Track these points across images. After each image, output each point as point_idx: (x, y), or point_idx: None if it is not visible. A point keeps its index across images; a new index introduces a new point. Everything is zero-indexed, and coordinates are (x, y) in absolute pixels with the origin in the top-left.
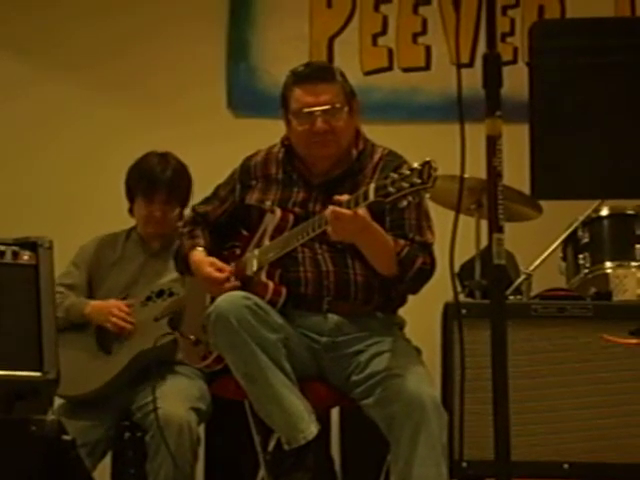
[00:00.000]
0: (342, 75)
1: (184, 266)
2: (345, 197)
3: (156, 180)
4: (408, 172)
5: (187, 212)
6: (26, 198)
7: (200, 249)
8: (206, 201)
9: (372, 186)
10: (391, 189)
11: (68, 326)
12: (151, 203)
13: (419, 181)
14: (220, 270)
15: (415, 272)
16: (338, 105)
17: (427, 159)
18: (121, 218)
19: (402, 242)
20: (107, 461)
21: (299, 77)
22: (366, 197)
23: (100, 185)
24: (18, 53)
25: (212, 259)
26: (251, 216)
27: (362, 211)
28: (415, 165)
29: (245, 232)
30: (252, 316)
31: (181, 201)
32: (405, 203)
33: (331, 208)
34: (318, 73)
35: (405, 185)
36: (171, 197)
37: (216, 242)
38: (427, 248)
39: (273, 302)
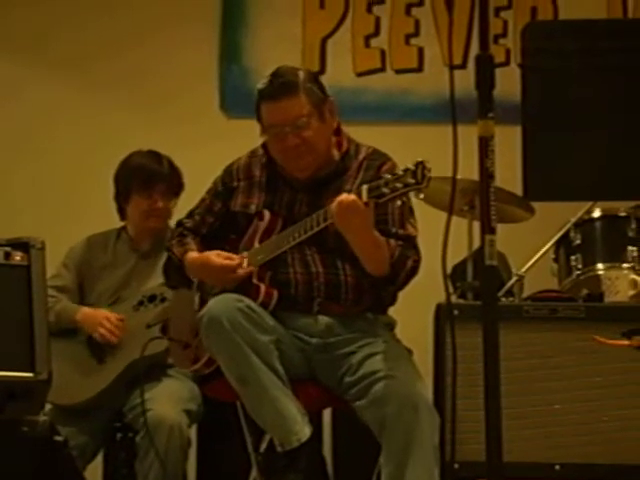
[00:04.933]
0: (310, 79)
1: (178, 275)
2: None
3: (155, 173)
4: (401, 173)
5: (173, 227)
6: (18, 199)
7: (193, 252)
8: (191, 215)
9: (365, 187)
10: (385, 190)
11: (59, 331)
12: (151, 196)
13: (413, 181)
14: (229, 259)
15: (406, 273)
16: (304, 119)
17: (420, 159)
18: (114, 220)
19: (393, 243)
20: (99, 461)
21: (262, 95)
22: (359, 198)
23: (92, 186)
24: (11, 54)
25: (216, 251)
26: (238, 222)
27: (370, 207)
28: (409, 166)
29: (234, 236)
30: (244, 318)
31: (175, 193)
32: (399, 203)
33: (345, 195)
34: (279, 90)
35: (399, 186)
36: (169, 188)
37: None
38: (411, 242)
39: (265, 304)
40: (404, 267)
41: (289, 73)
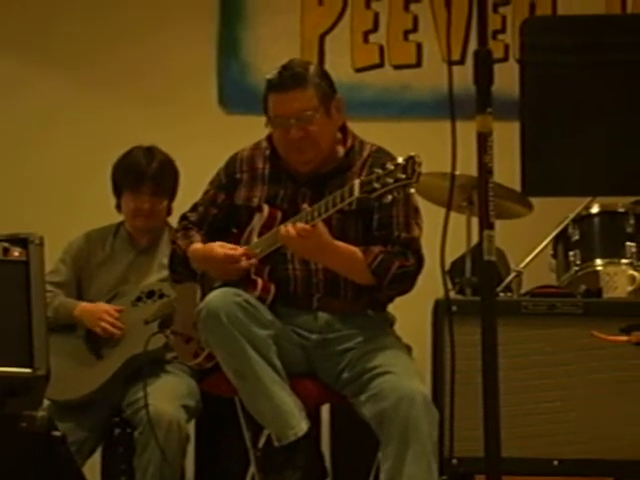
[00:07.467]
0: (320, 74)
1: (183, 268)
2: (306, 207)
3: (142, 173)
4: (392, 167)
5: (177, 221)
6: (18, 195)
7: (198, 244)
8: (195, 208)
9: (357, 182)
10: (376, 185)
11: (57, 327)
12: (138, 196)
13: (403, 176)
14: (232, 249)
15: (392, 278)
16: (309, 113)
17: (411, 154)
18: (112, 215)
19: (376, 250)
20: (97, 457)
21: (271, 85)
22: (351, 193)
23: (91, 182)
24: (11, 51)
25: (220, 242)
26: (240, 215)
27: (321, 226)
28: (399, 160)
29: (235, 230)
30: (242, 312)
31: (168, 194)
32: (390, 198)
33: (281, 226)
34: (289, 81)
35: (390, 180)
36: (158, 189)
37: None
38: (411, 246)
39: (262, 299)
40: (387, 273)
41: (299, 66)
